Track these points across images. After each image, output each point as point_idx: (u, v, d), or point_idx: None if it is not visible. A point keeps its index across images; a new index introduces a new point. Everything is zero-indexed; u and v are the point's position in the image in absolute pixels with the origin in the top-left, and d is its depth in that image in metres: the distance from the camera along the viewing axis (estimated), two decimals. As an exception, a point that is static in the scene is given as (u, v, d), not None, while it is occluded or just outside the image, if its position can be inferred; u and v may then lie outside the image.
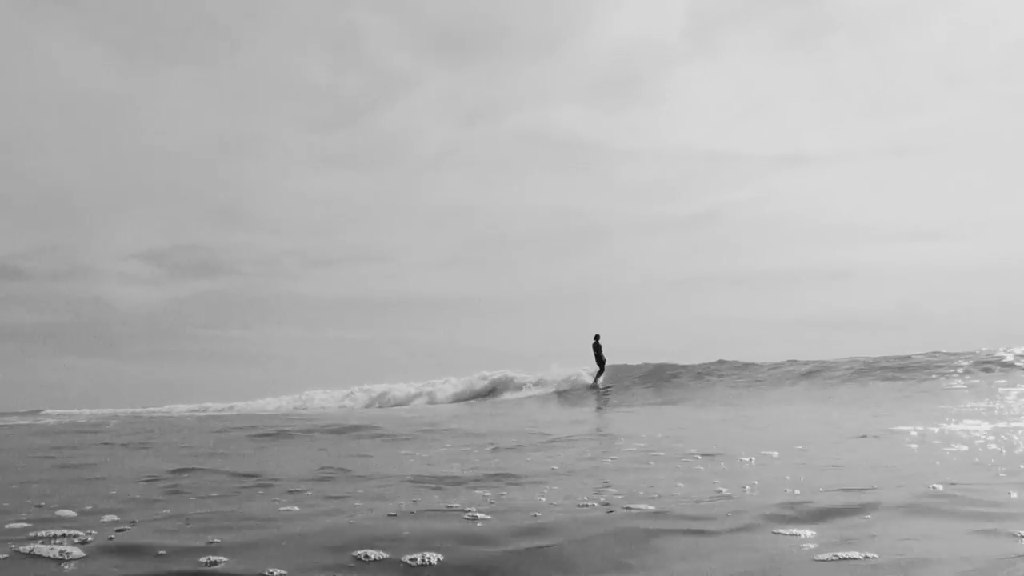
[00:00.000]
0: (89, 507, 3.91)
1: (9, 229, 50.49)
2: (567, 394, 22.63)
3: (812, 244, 48.40)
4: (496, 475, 5.01)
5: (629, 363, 24.61)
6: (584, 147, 55.60)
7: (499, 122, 56.07)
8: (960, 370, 15.71)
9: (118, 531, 3.30)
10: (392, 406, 25.87)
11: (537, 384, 24.72)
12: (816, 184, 52.01)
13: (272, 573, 2.58)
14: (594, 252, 52.09)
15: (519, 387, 25.15)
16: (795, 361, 20.32)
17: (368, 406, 26.90)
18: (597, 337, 24.15)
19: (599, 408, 18.01)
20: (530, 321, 47.19)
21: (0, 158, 49.52)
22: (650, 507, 3.63)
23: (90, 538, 3.16)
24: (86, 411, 26.91)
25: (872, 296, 41.81)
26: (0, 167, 49.59)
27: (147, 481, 5.05)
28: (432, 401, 26.10)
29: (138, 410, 29.11)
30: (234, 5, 52.97)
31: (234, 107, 55.22)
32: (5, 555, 2.85)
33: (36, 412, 25.44)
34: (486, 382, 26.27)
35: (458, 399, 25.89)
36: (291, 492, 4.43)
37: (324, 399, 29.50)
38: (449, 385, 26.96)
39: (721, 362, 22.23)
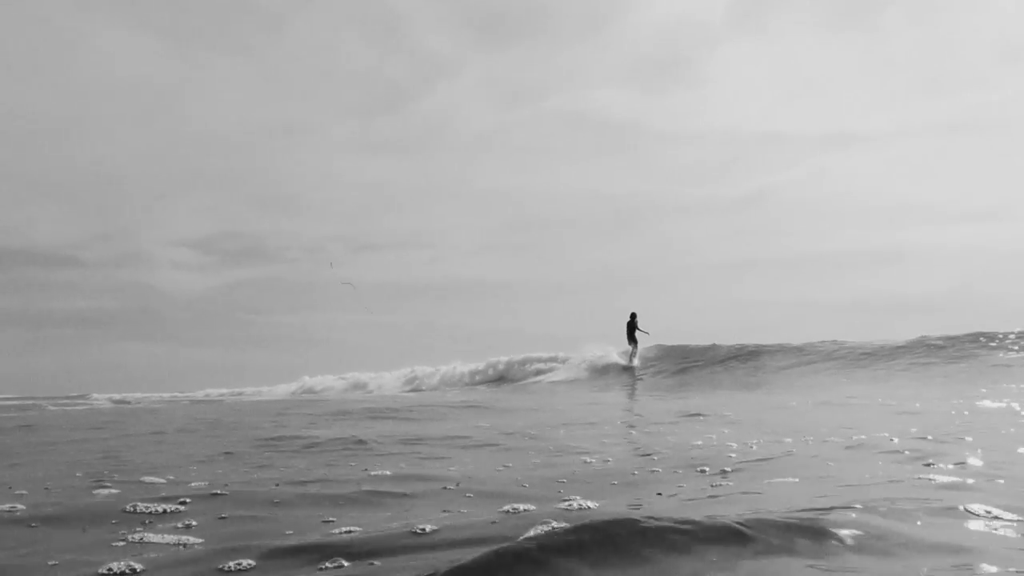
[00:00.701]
0: (174, 474, 3.82)
1: (65, 217, 51.92)
2: (604, 376, 22.27)
3: (863, 226, 47.23)
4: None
5: (670, 344, 24.17)
6: (627, 129, 54.98)
7: (541, 105, 55.72)
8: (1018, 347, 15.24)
9: (222, 518, 3.19)
10: (405, 391, 25.43)
11: (570, 365, 24.08)
12: (867, 165, 50.70)
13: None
14: (638, 235, 51.53)
15: (550, 369, 24.59)
16: (838, 342, 19.86)
17: (354, 391, 26.55)
18: (633, 316, 23.54)
19: (633, 390, 17.83)
20: (573, 304, 46.88)
21: (55, 148, 50.85)
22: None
23: (194, 523, 3.06)
24: (137, 395, 27.34)
25: (925, 279, 40.69)
26: (55, 157, 50.95)
27: (228, 457, 4.97)
28: (444, 385, 25.43)
29: (186, 394, 29.48)
30: (277, -8, 53.23)
31: (279, 93, 55.82)
32: (122, 534, 2.75)
33: (83, 396, 25.91)
34: (514, 365, 25.74)
35: (471, 381, 25.40)
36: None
37: (329, 383, 29.30)
38: (469, 366, 26.45)
39: (757, 347, 21.69)
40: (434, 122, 55.13)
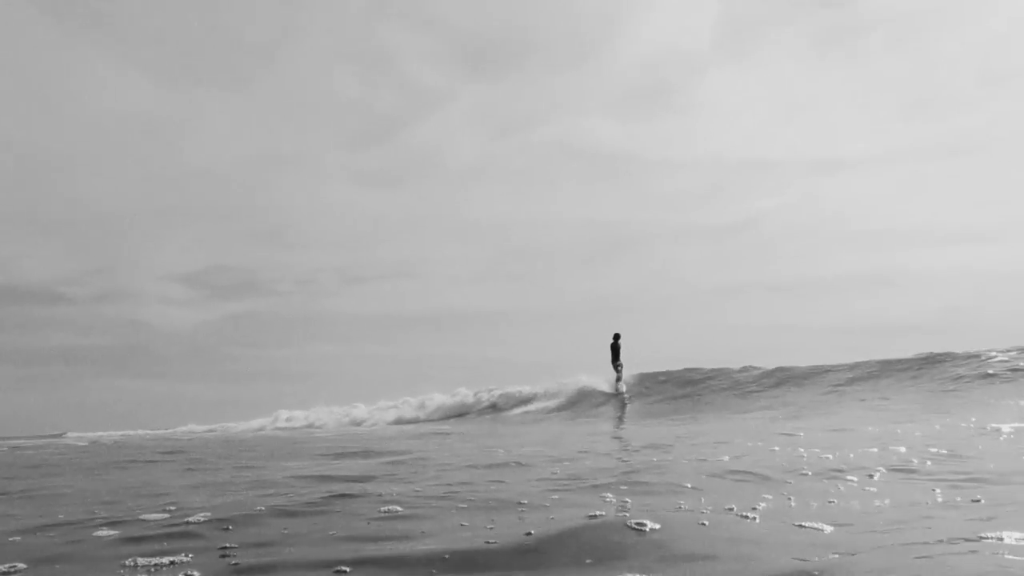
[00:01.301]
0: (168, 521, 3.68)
1: (53, 253, 51.43)
2: (592, 404, 21.92)
3: (852, 250, 48.02)
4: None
5: (654, 370, 23.95)
6: (616, 157, 55.75)
7: (531, 135, 56.50)
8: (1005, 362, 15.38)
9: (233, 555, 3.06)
10: (390, 422, 24.79)
11: (553, 395, 23.31)
12: (855, 188, 51.64)
13: None
14: (629, 263, 51.99)
15: (533, 398, 23.89)
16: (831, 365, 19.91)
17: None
18: (617, 337, 22.83)
19: (624, 417, 17.75)
20: (566, 333, 46.89)
21: (43, 183, 50.50)
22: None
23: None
24: (116, 433, 26.72)
25: (915, 301, 41.34)
26: (44, 192, 50.59)
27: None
28: (418, 419, 24.75)
29: (169, 430, 28.90)
30: (268, 26, 53.76)
31: (269, 126, 55.97)
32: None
33: (60, 435, 25.31)
34: (494, 396, 25.06)
35: (457, 413, 24.71)
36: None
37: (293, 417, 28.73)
38: (449, 398, 25.72)
39: (742, 369, 21.66)
40: (424, 153, 55.62)
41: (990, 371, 14.99)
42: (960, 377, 15.02)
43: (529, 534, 3.29)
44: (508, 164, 56.73)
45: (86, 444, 16.29)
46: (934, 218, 48.71)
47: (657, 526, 3.09)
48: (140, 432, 26.40)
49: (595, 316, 45.86)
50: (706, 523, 3.38)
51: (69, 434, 25.68)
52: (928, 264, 44.49)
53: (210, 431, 28.08)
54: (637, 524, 2.99)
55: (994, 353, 16.27)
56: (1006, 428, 7.63)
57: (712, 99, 55.59)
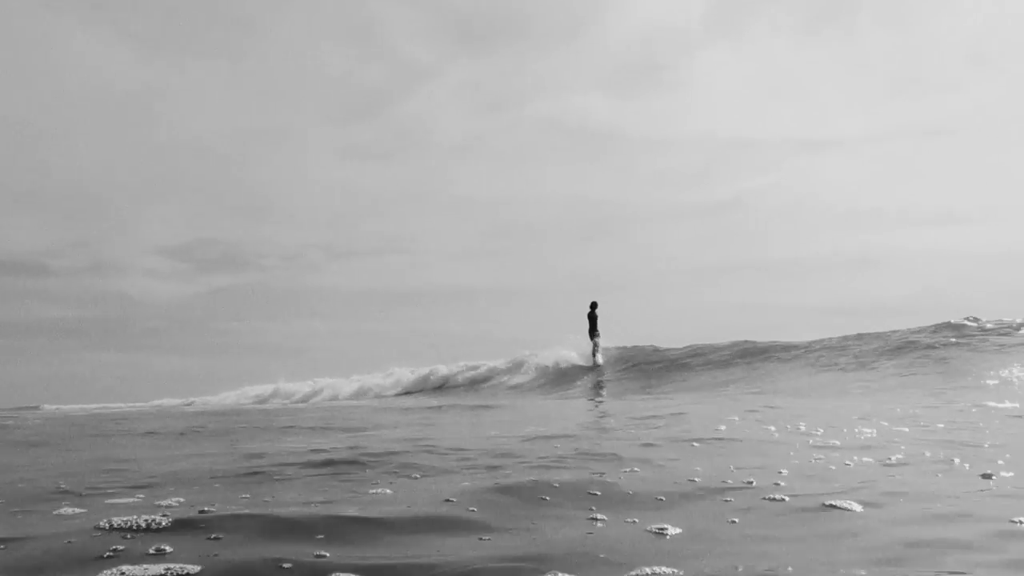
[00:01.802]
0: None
1: (36, 225, 50.42)
2: (567, 378, 21.74)
3: (839, 229, 48.15)
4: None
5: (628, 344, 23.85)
6: (606, 135, 55.37)
7: (520, 111, 55.89)
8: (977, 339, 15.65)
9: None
10: (361, 399, 24.58)
11: (528, 368, 22.94)
12: (842, 168, 51.65)
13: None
14: (617, 241, 51.85)
15: (503, 372, 23.56)
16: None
17: (311, 398, 25.51)
18: (594, 305, 22.27)
19: (602, 392, 17.86)
20: (553, 310, 46.88)
21: (27, 155, 49.26)
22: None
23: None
24: (91, 405, 26.47)
25: (901, 281, 41.66)
26: (27, 164, 49.43)
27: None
28: (379, 395, 24.34)
29: (151, 403, 28.68)
30: (255, -2, 52.27)
31: (256, 100, 54.90)
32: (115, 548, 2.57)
33: (35, 407, 25.05)
34: (471, 369, 24.73)
35: (434, 386, 24.33)
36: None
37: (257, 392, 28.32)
38: (426, 372, 25.23)
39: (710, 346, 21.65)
40: (413, 128, 55.05)
41: (955, 340, 15.30)
42: (932, 346, 15.30)
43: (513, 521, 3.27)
44: (497, 140, 56.34)
45: (60, 417, 16.12)
46: (921, 198, 49.15)
47: (679, 531, 3.09)
48: (117, 405, 26.20)
49: (584, 293, 45.97)
50: (734, 520, 3.39)
51: (44, 406, 25.39)
52: (916, 244, 44.96)
53: (187, 404, 27.97)
54: (658, 529, 2.99)
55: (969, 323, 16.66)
56: (990, 401, 7.75)
57: (703, 77, 55.38)
